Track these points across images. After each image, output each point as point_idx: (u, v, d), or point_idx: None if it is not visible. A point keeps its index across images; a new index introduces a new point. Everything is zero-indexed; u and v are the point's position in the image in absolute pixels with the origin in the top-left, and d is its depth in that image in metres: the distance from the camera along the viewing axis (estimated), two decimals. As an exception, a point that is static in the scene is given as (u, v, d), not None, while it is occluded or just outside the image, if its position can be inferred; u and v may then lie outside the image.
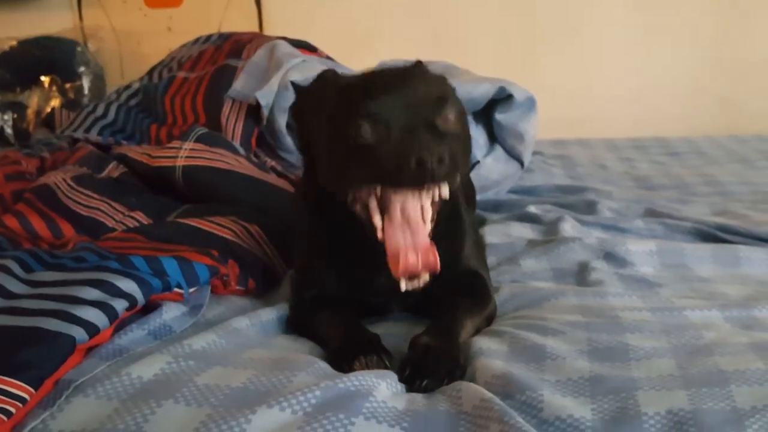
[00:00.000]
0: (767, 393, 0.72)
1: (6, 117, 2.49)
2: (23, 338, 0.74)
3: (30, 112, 2.50)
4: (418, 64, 1.02)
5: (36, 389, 0.70)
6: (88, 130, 1.69)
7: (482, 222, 1.54)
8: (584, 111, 2.66)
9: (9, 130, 2.48)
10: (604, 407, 0.73)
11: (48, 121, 1.96)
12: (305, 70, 1.57)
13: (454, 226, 1.04)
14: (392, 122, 0.86)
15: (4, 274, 0.87)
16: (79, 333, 0.77)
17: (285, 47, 1.68)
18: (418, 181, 0.83)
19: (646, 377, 0.78)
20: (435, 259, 0.85)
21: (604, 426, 0.70)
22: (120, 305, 0.83)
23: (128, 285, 0.86)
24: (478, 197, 1.60)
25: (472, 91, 1.57)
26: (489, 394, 0.73)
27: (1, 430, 0.66)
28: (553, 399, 0.73)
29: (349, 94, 0.93)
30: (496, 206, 1.63)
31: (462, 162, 0.90)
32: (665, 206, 1.57)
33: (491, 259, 1.26)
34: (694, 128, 2.57)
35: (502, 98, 1.61)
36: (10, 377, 0.69)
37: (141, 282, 0.88)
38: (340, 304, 1.00)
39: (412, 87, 0.90)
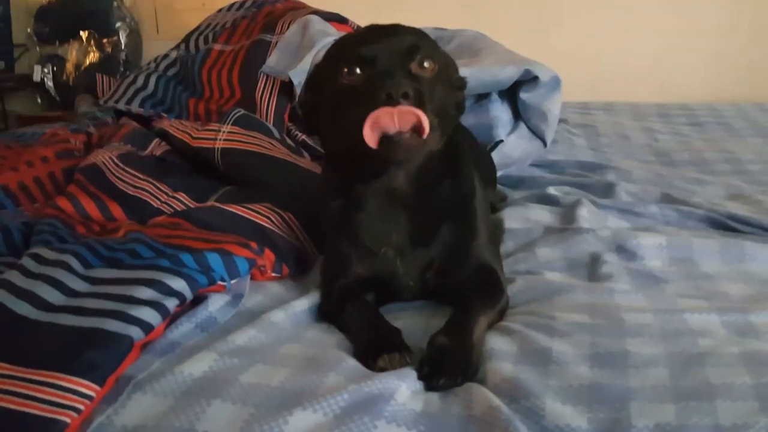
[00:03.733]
0: (749, 410, 0.80)
1: (46, 70, 2.58)
2: (88, 339, 0.84)
3: (69, 66, 2.59)
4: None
5: (101, 387, 0.81)
6: (129, 102, 1.77)
7: (503, 198, 1.62)
8: (609, 73, 2.68)
9: (50, 83, 2.58)
10: (599, 417, 0.81)
11: (89, 86, 2.04)
12: (337, 49, 1.63)
13: (464, 215, 1.13)
14: (374, 65, 0.99)
15: (64, 271, 0.97)
16: (136, 332, 0.87)
17: (317, 23, 1.73)
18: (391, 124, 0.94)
19: (641, 387, 0.86)
20: (419, 118, 0.95)
21: (597, 436, 0.79)
22: (171, 303, 0.93)
23: (179, 284, 0.96)
24: (500, 173, 1.68)
25: (498, 74, 1.62)
26: (497, 402, 0.82)
27: (72, 426, 0.77)
28: (555, 407, 0.82)
29: (339, 46, 1.08)
30: (517, 182, 1.70)
31: (435, 103, 1.01)
32: (682, 188, 1.64)
33: (509, 245, 1.34)
34: (719, 92, 2.59)
35: (527, 78, 1.66)
36: (79, 377, 0.80)
37: (190, 280, 0.98)
38: (364, 291, 1.11)
39: (392, 37, 1.03)
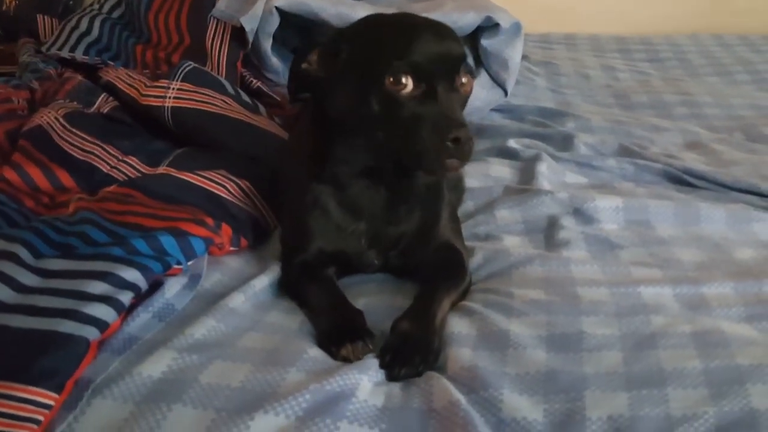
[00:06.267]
0: (698, 399, 0.82)
1: (-16, -1, 2.42)
2: (42, 344, 0.82)
3: (7, -8, 2.44)
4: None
5: (59, 394, 0.80)
6: (73, 49, 1.68)
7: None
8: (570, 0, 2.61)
9: (-13, 11, 2.42)
10: (555, 407, 0.83)
11: (30, 27, 1.93)
12: (290, -6, 1.56)
13: (434, 199, 1.13)
14: (430, 82, 0.96)
15: (14, 264, 0.93)
16: (92, 332, 0.85)
17: (269, -36, 1.64)
18: (444, 154, 0.94)
19: (595, 373, 0.88)
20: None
21: (553, 430, 0.81)
22: (126, 297, 0.91)
23: (132, 275, 0.94)
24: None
25: (458, 21, 1.57)
26: (456, 396, 0.83)
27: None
28: (511, 398, 0.84)
29: (381, 36, 1.02)
30: (478, 131, 1.69)
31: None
32: (639, 137, 1.64)
33: (469, 205, 1.35)
34: (681, 22, 2.55)
35: (489, 25, 1.62)
36: (35, 386, 0.78)
37: (144, 269, 0.95)
38: (326, 265, 1.10)
39: (446, 44, 1.00)
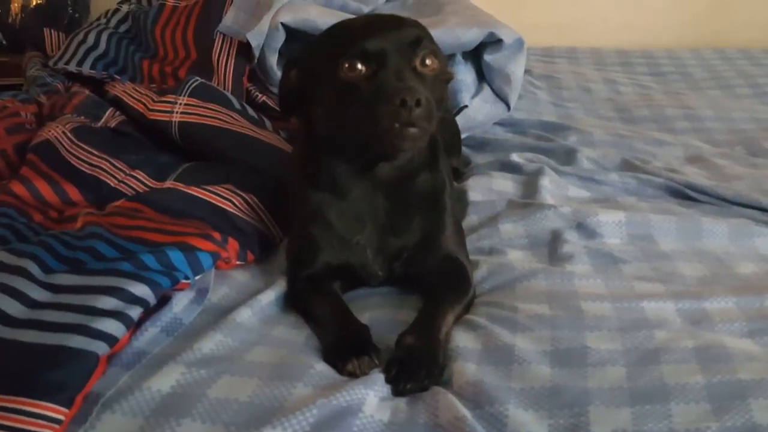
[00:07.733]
0: (701, 414, 0.83)
1: (-9, 10, 2.45)
2: (51, 358, 0.83)
3: (15, 6, 2.47)
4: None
5: (69, 408, 0.80)
6: (80, 63, 1.70)
7: (467, 163, 1.62)
8: (572, 15, 2.63)
9: (-6, 25, 2.45)
10: (559, 423, 0.84)
11: (37, 41, 1.95)
12: (296, 11, 1.58)
13: (435, 209, 1.14)
14: (379, 62, 0.98)
15: (24, 279, 0.94)
16: (101, 347, 0.86)
17: (275, -22, 1.66)
18: (397, 120, 0.95)
19: (599, 388, 0.89)
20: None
21: (558, 445, 0.82)
22: (135, 312, 0.92)
23: (142, 290, 0.95)
24: (463, 135, 1.67)
25: (461, 37, 1.59)
26: (462, 412, 0.84)
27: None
28: (517, 414, 0.85)
29: (337, 35, 1.06)
30: (481, 144, 1.71)
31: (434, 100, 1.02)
32: (642, 151, 1.66)
33: (473, 219, 1.36)
34: (681, 35, 2.57)
35: (492, 40, 1.63)
36: (45, 401, 0.79)
37: (152, 284, 0.96)
38: (331, 280, 1.11)
39: (399, 29, 1.03)
